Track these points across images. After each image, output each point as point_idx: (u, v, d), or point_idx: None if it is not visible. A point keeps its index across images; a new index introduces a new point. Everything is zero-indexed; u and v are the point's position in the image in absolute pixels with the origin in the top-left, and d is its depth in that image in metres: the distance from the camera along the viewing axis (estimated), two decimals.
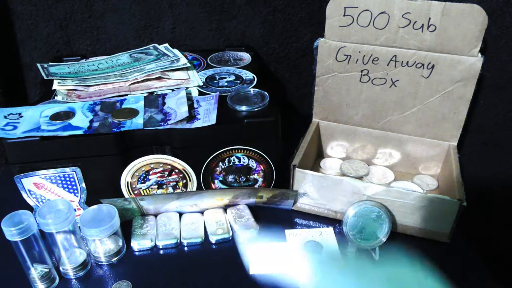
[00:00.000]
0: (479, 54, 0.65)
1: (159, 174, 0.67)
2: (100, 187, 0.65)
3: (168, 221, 0.67)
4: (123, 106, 0.67)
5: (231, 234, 0.65)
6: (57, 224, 0.55)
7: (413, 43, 0.67)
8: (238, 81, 0.77)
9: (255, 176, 0.71)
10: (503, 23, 0.69)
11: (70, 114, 0.65)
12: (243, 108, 0.67)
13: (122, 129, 0.62)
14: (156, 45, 0.84)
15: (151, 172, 0.67)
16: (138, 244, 0.63)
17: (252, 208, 0.70)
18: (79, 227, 0.60)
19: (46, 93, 0.72)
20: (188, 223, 0.67)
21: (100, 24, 0.86)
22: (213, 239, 0.64)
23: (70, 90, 0.71)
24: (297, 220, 0.69)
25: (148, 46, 0.84)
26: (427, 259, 0.62)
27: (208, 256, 0.62)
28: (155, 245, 0.63)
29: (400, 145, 0.77)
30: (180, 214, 0.69)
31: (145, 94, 0.71)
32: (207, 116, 0.65)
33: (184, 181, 0.69)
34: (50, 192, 0.64)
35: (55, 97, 0.70)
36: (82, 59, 0.83)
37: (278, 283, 0.58)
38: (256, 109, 0.67)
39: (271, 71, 0.96)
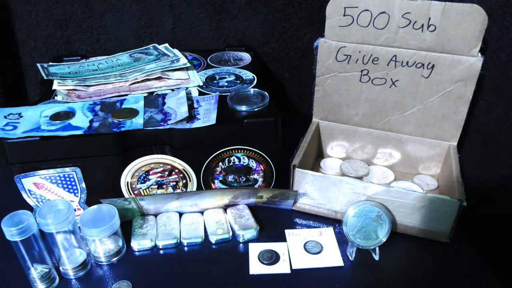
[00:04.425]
0: (479, 54, 0.65)
1: (159, 174, 0.67)
2: (100, 187, 0.65)
3: (168, 221, 0.67)
4: (123, 106, 0.67)
5: (231, 234, 0.65)
6: (57, 224, 0.55)
7: (413, 43, 0.67)
8: (238, 81, 0.77)
9: (255, 176, 0.71)
10: (503, 23, 0.69)
11: (70, 114, 0.65)
12: (243, 108, 0.67)
13: (122, 129, 0.62)
14: (156, 45, 0.84)
15: (151, 172, 0.67)
16: (138, 244, 0.63)
17: (252, 208, 0.70)
18: (79, 227, 0.60)
19: (46, 93, 0.72)
20: (188, 223, 0.67)
21: (100, 24, 0.86)
22: (213, 239, 0.64)
23: (70, 90, 0.71)
24: (297, 220, 0.69)
25: (148, 46, 0.84)
26: (427, 259, 0.62)
27: (208, 256, 0.62)
28: (155, 245, 0.63)
29: (400, 145, 0.77)
30: (180, 214, 0.69)
31: (145, 94, 0.71)
32: (207, 116, 0.65)
33: (184, 181, 0.69)
34: (50, 192, 0.64)
35: (55, 97, 0.70)
36: (82, 59, 0.83)
37: (278, 283, 0.58)
38: (256, 109, 0.67)
39: (271, 71, 0.96)
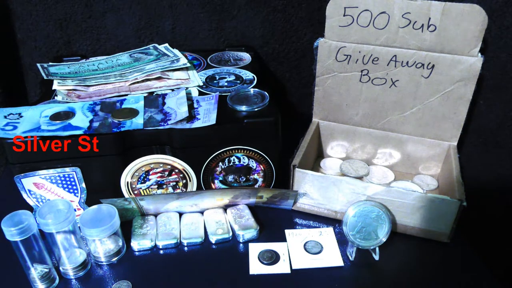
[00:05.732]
0: (479, 54, 0.65)
1: (159, 174, 0.67)
2: (100, 187, 0.65)
3: (168, 221, 0.67)
4: (123, 106, 0.67)
5: (231, 234, 0.65)
6: (57, 224, 0.55)
7: (413, 43, 0.67)
8: (238, 81, 0.77)
9: (255, 176, 0.71)
10: (503, 23, 0.69)
11: (70, 114, 0.65)
12: (243, 108, 0.67)
13: (122, 129, 0.62)
14: (156, 45, 0.84)
15: (151, 172, 0.67)
16: (138, 244, 0.63)
17: (252, 208, 0.70)
18: (79, 227, 0.60)
19: (46, 93, 0.72)
20: (188, 223, 0.67)
21: (100, 24, 0.86)
22: (213, 239, 0.64)
23: (70, 90, 0.71)
24: (297, 220, 0.69)
25: (148, 46, 0.84)
26: (427, 259, 0.62)
27: (208, 256, 0.62)
28: (155, 245, 0.63)
29: (400, 145, 0.77)
30: (180, 214, 0.69)
31: (145, 94, 0.71)
32: (207, 116, 0.65)
33: (184, 181, 0.69)
34: (50, 192, 0.64)
35: (55, 97, 0.70)
36: (82, 59, 0.83)
37: (278, 283, 0.58)
38: (256, 109, 0.67)
39: (271, 71, 0.96)
